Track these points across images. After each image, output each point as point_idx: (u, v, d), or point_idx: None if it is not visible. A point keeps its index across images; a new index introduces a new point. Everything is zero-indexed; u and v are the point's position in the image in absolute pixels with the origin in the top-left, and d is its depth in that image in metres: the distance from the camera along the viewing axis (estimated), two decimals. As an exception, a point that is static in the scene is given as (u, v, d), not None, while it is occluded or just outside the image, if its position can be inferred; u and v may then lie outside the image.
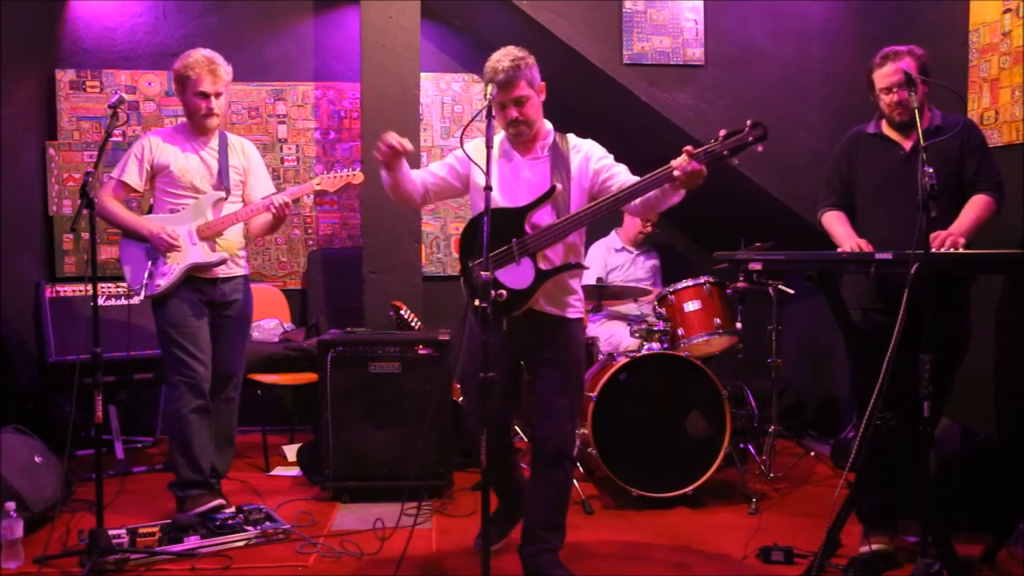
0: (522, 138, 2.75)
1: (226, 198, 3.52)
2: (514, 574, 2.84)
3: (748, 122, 2.46)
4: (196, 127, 3.50)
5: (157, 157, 3.45)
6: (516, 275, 2.64)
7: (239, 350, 3.63)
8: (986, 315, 3.40)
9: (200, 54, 3.44)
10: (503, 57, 2.64)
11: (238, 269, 3.59)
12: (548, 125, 2.82)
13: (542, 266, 2.65)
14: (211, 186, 3.50)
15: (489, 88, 2.57)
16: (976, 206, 2.88)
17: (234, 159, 3.58)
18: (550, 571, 2.70)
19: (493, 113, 2.55)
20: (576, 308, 2.82)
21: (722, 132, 2.48)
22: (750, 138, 2.45)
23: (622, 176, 2.74)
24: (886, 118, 3.00)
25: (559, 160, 2.74)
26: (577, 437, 3.84)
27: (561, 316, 2.77)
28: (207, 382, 3.45)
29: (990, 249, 2.76)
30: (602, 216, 2.65)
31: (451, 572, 2.96)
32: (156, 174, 3.47)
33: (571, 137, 2.84)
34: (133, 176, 3.44)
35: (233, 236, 3.53)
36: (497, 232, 2.53)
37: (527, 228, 2.65)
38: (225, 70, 3.47)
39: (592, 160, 2.77)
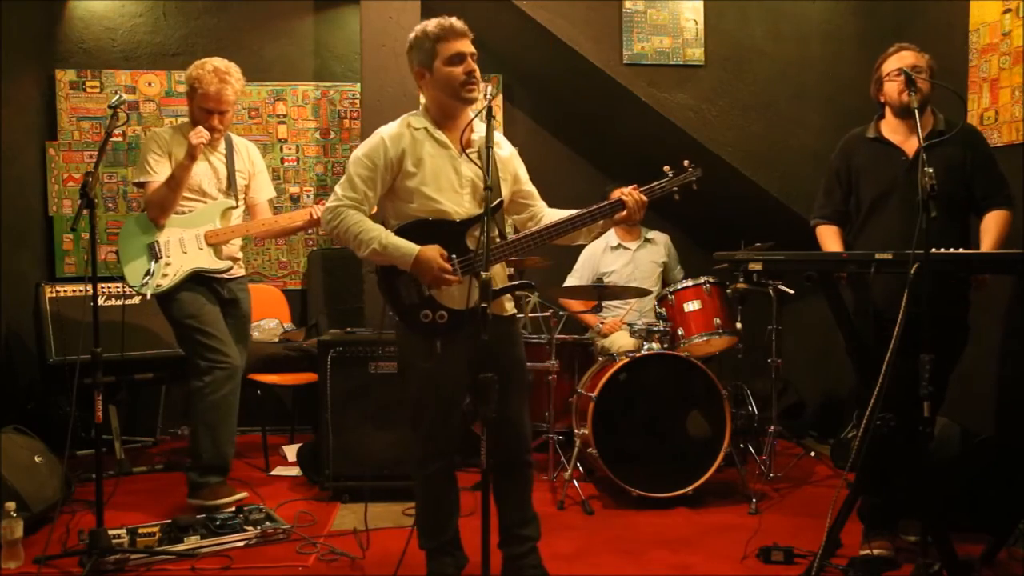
0: (466, 106, 2.53)
1: (236, 206, 3.54)
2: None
3: (686, 162, 2.64)
4: None
5: (174, 153, 3.45)
6: (459, 295, 2.47)
7: (244, 347, 3.67)
8: (988, 316, 3.40)
9: (212, 68, 3.39)
10: (440, 19, 2.50)
11: (240, 270, 3.62)
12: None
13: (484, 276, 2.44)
14: (218, 191, 3.52)
15: (446, 49, 2.46)
16: (995, 225, 2.90)
17: (240, 163, 3.60)
18: (530, 573, 2.70)
19: (427, 78, 2.51)
20: (513, 302, 2.72)
21: (666, 168, 2.64)
22: (692, 177, 2.64)
23: (539, 203, 2.75)
24: (892, 107, 2.97)
25: (492, 157, 2.44)
26: (577, 437, 3.86)
27: (512, 314, 2.68)
28: (236, 364, 3.47)
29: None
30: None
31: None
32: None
33: (481, 125, 2.57)
34: (166, 172, 3.43)
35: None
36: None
37: (468, 243, 2.49)
38: (235, 88, 3.43)
39: (517, 164, 2.69)
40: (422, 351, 2.52)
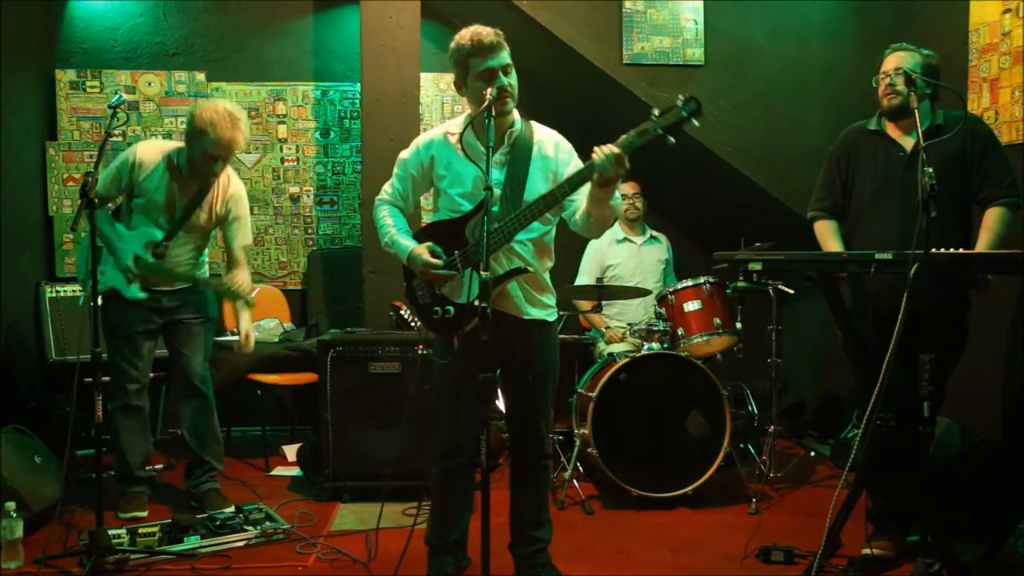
0: (505, 116, 2.55)
1: (161, 243, 3.41)
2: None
3: (680, 96, 2.34)
4: (192, 172, 3.41)
5: (141, 180, 3.38)
6: (460, 289, 2.52)
7: (197, 350, 3.59)
8: (989, 316, 3.40)
9: (227, 113, 3.28)
10: (477, 29, 2.52)
11: (183, 283, 3.52)
12: (515, 112, 2.63)
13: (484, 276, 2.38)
14: (167, 221, 3.44)
15: (477, 64, 2.49)
16: (993, 223, 2.85)
17: (208, 200, 3.48)
18: (541, 572, 2.72)
19: (464, 91, 2.56)
20: (554, 308, 2.72)
21: (655, 110, 2.36)
22: (684, 112, 2.31)
23: (583, 197, 2.56)
24: (884, 110, 2.98)
25: (520, 154, 2.59)
26: (577, 437, 3.86)
27: (542, 320, 2.66)
28: (140, 384, 3.51)
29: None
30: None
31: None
32: (132, 192, 3.41)
33: (536, 126, 2.69)
34: (107, 188, 3.38)
35: (183, 256, 3.49)
36: (440, 245, 2.55)
37: (467, 237, 2.53)
38: (245, 135, 3.36)
39: (561, 163, 2.63)
40: (442, 348, 2.62)
